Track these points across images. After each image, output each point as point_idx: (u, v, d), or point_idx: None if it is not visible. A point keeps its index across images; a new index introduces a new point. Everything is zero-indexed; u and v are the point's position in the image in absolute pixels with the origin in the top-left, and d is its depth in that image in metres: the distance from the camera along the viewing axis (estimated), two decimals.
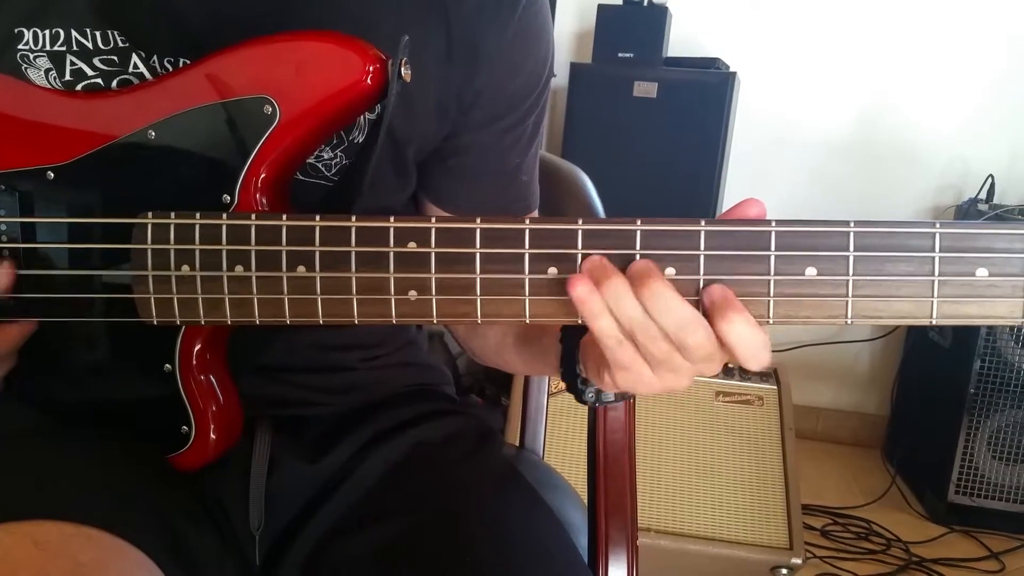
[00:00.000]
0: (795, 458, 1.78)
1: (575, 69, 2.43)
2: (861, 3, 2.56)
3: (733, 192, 2.59)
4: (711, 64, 2.42)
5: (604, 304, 0.52)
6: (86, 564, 0.53)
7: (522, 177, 0.80)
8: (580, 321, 0.55)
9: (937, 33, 2.55)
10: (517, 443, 1.09)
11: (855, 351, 2.76)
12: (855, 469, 2.60)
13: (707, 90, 2.33)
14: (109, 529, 0.56)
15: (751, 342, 0.51)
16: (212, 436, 0.66)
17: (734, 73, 2.37)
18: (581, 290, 0.52)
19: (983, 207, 2.38)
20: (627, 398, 0.64)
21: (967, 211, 2.43)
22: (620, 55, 2.39)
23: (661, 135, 2.35)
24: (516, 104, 0.76)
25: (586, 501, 0.93)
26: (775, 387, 1.83)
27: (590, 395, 0.64)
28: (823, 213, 2.34)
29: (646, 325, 0.51)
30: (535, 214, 0.83)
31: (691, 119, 2.34)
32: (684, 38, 2.57)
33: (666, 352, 0.52)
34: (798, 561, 1.67)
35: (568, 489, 0.99)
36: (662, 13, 2.38)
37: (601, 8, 2.42)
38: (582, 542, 0.89)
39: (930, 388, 2.47)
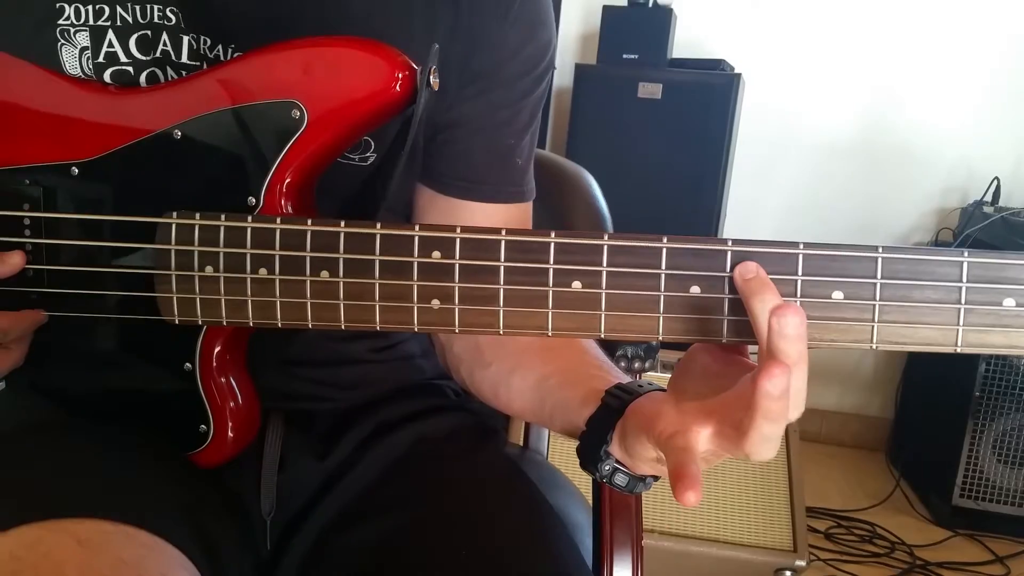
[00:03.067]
0: (799, 460, 1.79)
1: (580, 70, 2.43)
2: (866, 4, 2.56)
3: (738, 193, 2.60)
4: (716, 65, 2.42)
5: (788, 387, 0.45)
6: (127, 561, 0.54)
7: (516, 160, 0.79)
8: (603, 336, 0.55)
9: (942, 33, 2.54)
10: (521, 443, 1.09)
11: (859, 354, 2.76)
12: (859, 472, 2.61)
13: (712, 91, 2.34)
14: (145, 526, 0.57)
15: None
16: (230, 435, 0.66)
17: (739, 75, 2.38)
18: (780, 382, 0.44)
19: (988, 209, 2.38)
20: (637, 491, 0.61)
21: (972, 213, 2.43)
22: (625, 56, 2.40)
23: (666, 136, 2.36)
24: (512, 82, 0.75)
25: (591, 502, 0.93)
26: None
27: (607, 468, 0.60)
28: (827, 214, 2.36)
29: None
30: (531, 205, 0.83)
31: (696, 120, 2.34)
32: (689, 40, 2.57)
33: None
34: (802, 563, 1.68)
35: (572, 489, 0.99)
36: (667, 14, 2.39)
37: (606, 9, 2.42)
38: (587, 542, 0.89)
39: (934, 391, 2.48)
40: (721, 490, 1.75)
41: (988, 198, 2.45)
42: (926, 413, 2.54)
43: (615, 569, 0.89)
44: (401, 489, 0.73)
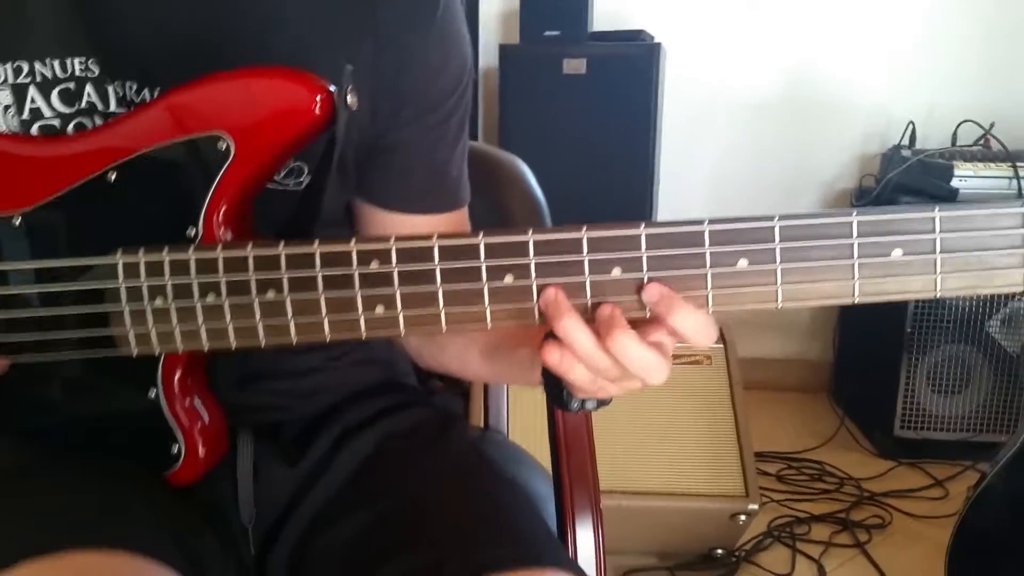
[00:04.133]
0: (745, 411, 1.85)
1: (504, 51, 2.45)
2: None
3: (669, 162, 2.65)
4: (636, 36, 2.45)
5: (575, 360, 0.59)
6: None
7: (451, 172, 0.84)
8: (538, 323, 0.59)
9: None
10: (482, 424, 1.13)
11: None
12: (805, 414, 2.71)
13: (634, 63, 2.37)
14: (138, 550, 0.59)
15: (645, 362, 0.58)
16: (201, 452, 0.69)
17: (659, 44, 2.41)
18: (553, 355, 0.59)
19: (906, 153, 2.46)
20: (607, 403, 0.69)
21: (892, 158, 2.52)
22: (547, 33, 2.42)
23: (593, 111, 2.39)
24: (440, 102, 0.79)
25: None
26: (721, 346, 1.90)
27: (575, 404, 0.68)
28: (757, 172, 2.42)
29: (610, 364, 0.58)
30: (466, 209, 0.87)
31: (621, 93, 2.37)
32: (608, 11, 2.60)
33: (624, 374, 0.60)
34: (755, 507, 1.76)
35: (533, 464, 1.03)
36: None
37: None
38: (550, 510, 0.93)
39: (870, 331, 2.57)
40: (672, 445, 1.82)
41: (905, 141, 2.54)
42: (863, 352, 2.64)
43: (577, 532, 0.94)
44: (372, 485, 0.77)
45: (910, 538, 2.03)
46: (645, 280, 0.58)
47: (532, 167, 1.07)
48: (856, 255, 0.56)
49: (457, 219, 0.85)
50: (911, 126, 2.53)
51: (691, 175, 2.78)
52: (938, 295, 0.56)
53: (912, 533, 2.06)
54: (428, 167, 0.82)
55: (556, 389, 0.68)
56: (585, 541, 0.95)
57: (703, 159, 2.80)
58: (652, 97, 2.38)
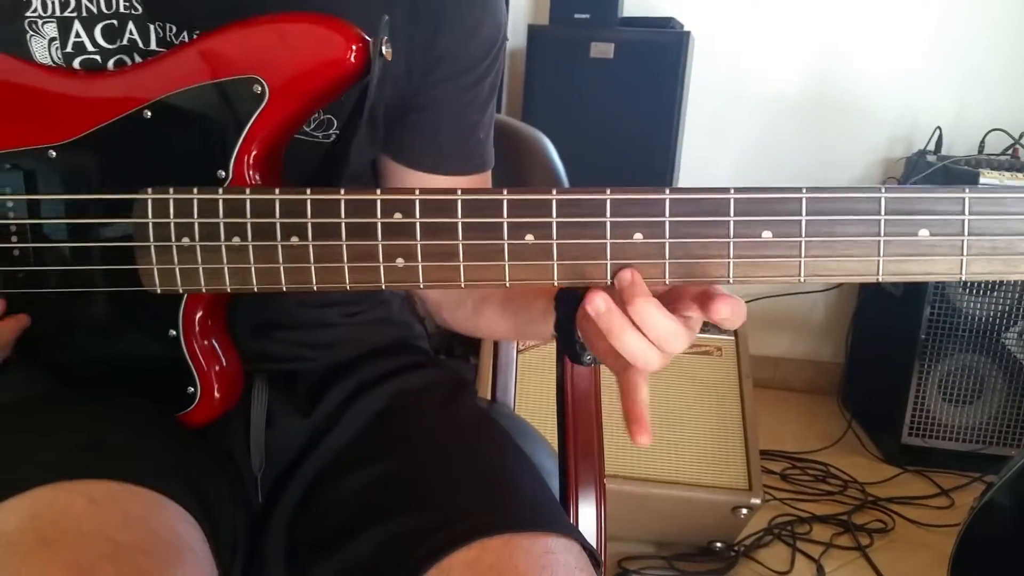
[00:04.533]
0: (753, 405, 1.85)
1: (532, 31, 2.45)
2: None
3: (691, 149, 2.64)
4: (666, 24, 2.44)
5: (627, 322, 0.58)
6: (135, 516, 0.58)
7: (479, 135, 0.85)
8: (556, 284, 0.60)
9: None
10: (489, 397, 1.14)
11: (810, 301, 2.84)
12: (812, 415, 2.71)
13: (662, 50, 2.36)
14: (147, 484, 0.60)
15: (667, 329, 0.58)
16: (216, 395, 0.70)
17: (688, 32, 2.41)
18: (599, 304, 0.58)
19: (931, 158, 2.44)
20: None
21: (916, 163, 2.50)
22: (576, 16, 2.42)
23: (619, 95, 2.39)
24: (474, 65, 0.80)
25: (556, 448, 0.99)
26: (732, 338, 1.90)
27: (588, 357, 0.69)
28: (778, 167, 2.41)
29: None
30: (489, 173, 0.88)
31: (647, 79, 2.37)
32: None
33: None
34: (757, 501, 1.75)
35: (539, 438, 1.04)
36: None
37: None
38: (554, 484, 0.94)
39: (883, 335, 2.56)
40: (678, 433, 1.82)
41: (931, 147, 2.52)
42: (875, 357, 2.62)
43: (580, 507, 0.95)
44: (383, 440, 0.78)
45: (912, 545, 2.02)
46: (667, 248, 0.58)
47: (555, 148, 1.08)
48: (882, 233, 0.56)
49: (480, 182, 0.86)
50: (938, 131, 2.51)
51: (712, 166, 2.78)
52: (963, 278, 0.56)
53: (915, 540, 2.05)
54: (457, 128, 0.83)
55: (570, 341, 0.69)
56: (587, 516, 0.95)
57: (725, 151, 2.79)
58: (678, 85, 2.37)
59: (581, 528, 0.93)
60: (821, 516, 2.10)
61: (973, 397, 2.33)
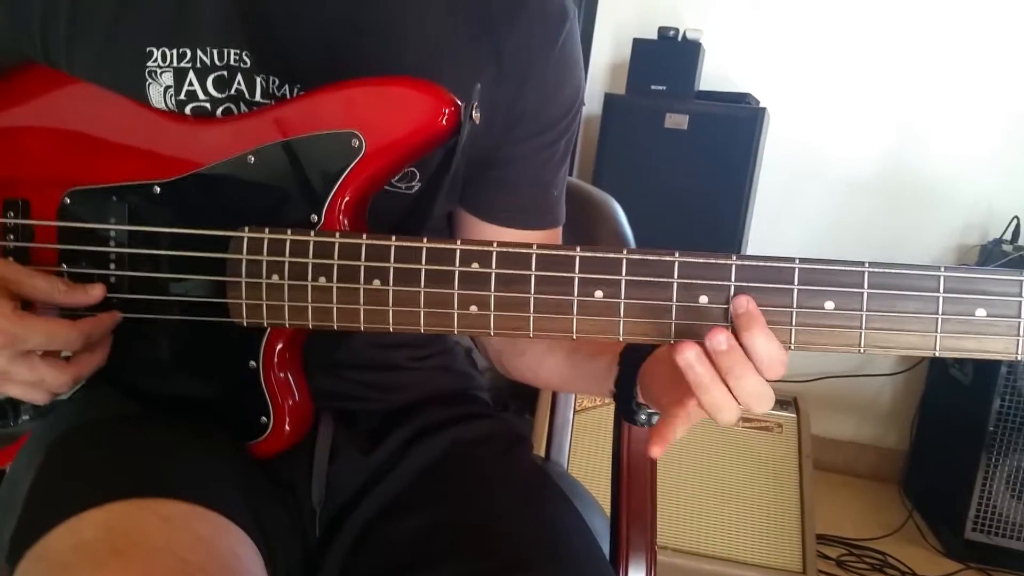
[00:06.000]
0: (811, 485, 1.83)
1: (609, 99, 2.49)
2: (889, 41, 2.61)
3: (759, 224, 2.64)
4: (742, 99, 2.47)
5: (715, 374, 0.60)
6: (204, 537, 0.60)
7: (553, 192, 0.88)
8: (620, 339, 0.62)
9: (964, 72, 2.59)
10: (543, 455, 1.15)
11: (877, 385, 2.79)
12: (872, 502, 2.64)
13: (737, 124, 2.38)
14: (216, 508, 0.63)
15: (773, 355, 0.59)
16: (287, 427, 0.74)
17: (764, 108, 2.42)
18: (688, 355, 0.59)
19: (1007, 247, 2.40)
20: None
21: (991, 251, 2.46)
22: (653, 87, 2.45)
23: (690, 166, 2.40)
24: (552, 124, 0.84)
25: (608, 512, 1.00)
26: (794, 415, 1.88)
27: (643, 417, 0.72)
28: (848, 247, 2.38)
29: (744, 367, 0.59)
30: (560, 230, 0.91)
31: (720, 152, 2.38)
32: (716, 73, 2.63)
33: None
34: None
35: (591, 499, 1.05)
36: (695, 48, 2.45)
37: (636, 42, 2.48)
38: (605, 547, 0.95)
39: (950, 424, 2.49)
40: (734, 510, 1.80)
41: (1007, 236, 2.48)
42: (941, 446, 2.55)
43: (630, 572, 0.95)
44: (439, 487, 0.80)
45: None
46: (730, 312, 0.60)
47: (624, 213, 1.11)
48: (940, 310, 0.58)
49: (551, 237, 0.89)
50: (1015, 221, 2.47)
51: (781, 242, 2.77)
52: (1018, 358, 0.57)
53: None
54: (533, 185, 0.86)
55: (628, 399, 0.71)
56: None
57: (795, 227, 2.78)
58: (750, 160, 2.38)
59: None
60: None
61: None
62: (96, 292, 0.72)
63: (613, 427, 1.04)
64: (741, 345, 0.59)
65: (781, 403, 1.91)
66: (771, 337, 0.59)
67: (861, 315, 0.58)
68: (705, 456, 1.86)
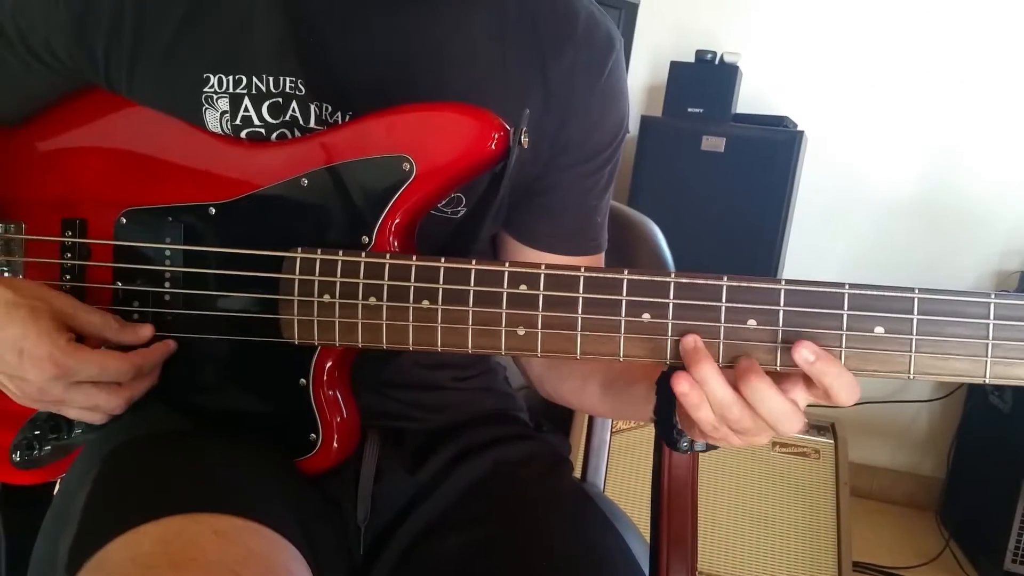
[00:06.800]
0: (848, 512, 1.81)
1: (645, 122, 2.50)
2: (928, 64, 2.61)
3: (797, 247, 2.63)
4: (779, 122, 2.47)
5: (703, 397, 0.61)
6: (256, 552, 0.61)
7: (597, 218, 0.89)
8: (668, 363, 0.63)
9: (1005, 94, 2.58)
10: (579, 476, 1.15)
11: (914, 411, 2.76)
12: (909, 530, 2.60)
13: (774, 147, 2.38)
14: (268, 524, 0.64)
15: (782, 411, 0.61)
16: (335, 444, 0.75)
17: (801, 132, 2.42)
18: (682, 385, 0.61)
19: None
20: (716, 447, 0.72)
21: None
22: (690, 110, 2.46)
23: (727, 189, 2.40)
24: (597, 152, 0.85)
25: (646, 536, 0.99)
26: (832, 441, 1.86)
27: (684, 444, 0.71)
28: (886, 271, 2.36)
29: (741, 414, 0.61)
30: (603, 255, 0.92)
31: (757, 175, 2.38)
32: (753, 96, 2.64)
33: (754, 427, 0.62)
34: None
35: (628, 521, 1.04)
36: (733, 71, 2.46)
37: (674, 65, 2.50)
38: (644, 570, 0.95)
39: (988, 452, 2.46)
40: (770, 536, 1.78)
41: None
42: (980, 475, 2.52)
43: None
44: (484, 505, 0.81)
45: None
46: (780, 337, 0.60)
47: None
48: (991, 336, 0.58)
49: (595, 262, 0.90)
50: None
51: (818, 265, 2.75)
52: None
53: None
54: (578, 211, 0.87)
55: (668, 426, 0.71)
56: None
57: (833, 250, 2.77)
58: (788, 183, 2.38)
59: None
60: None
61: None
62: (145, 332, 0.75)
63: (653, 451, 1.04)
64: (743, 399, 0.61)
65: (819, 428, 1.90)
66: (772, 388, 0.60)
67: (911, 339, 0.58)
68: (743, 481, 1.85)
